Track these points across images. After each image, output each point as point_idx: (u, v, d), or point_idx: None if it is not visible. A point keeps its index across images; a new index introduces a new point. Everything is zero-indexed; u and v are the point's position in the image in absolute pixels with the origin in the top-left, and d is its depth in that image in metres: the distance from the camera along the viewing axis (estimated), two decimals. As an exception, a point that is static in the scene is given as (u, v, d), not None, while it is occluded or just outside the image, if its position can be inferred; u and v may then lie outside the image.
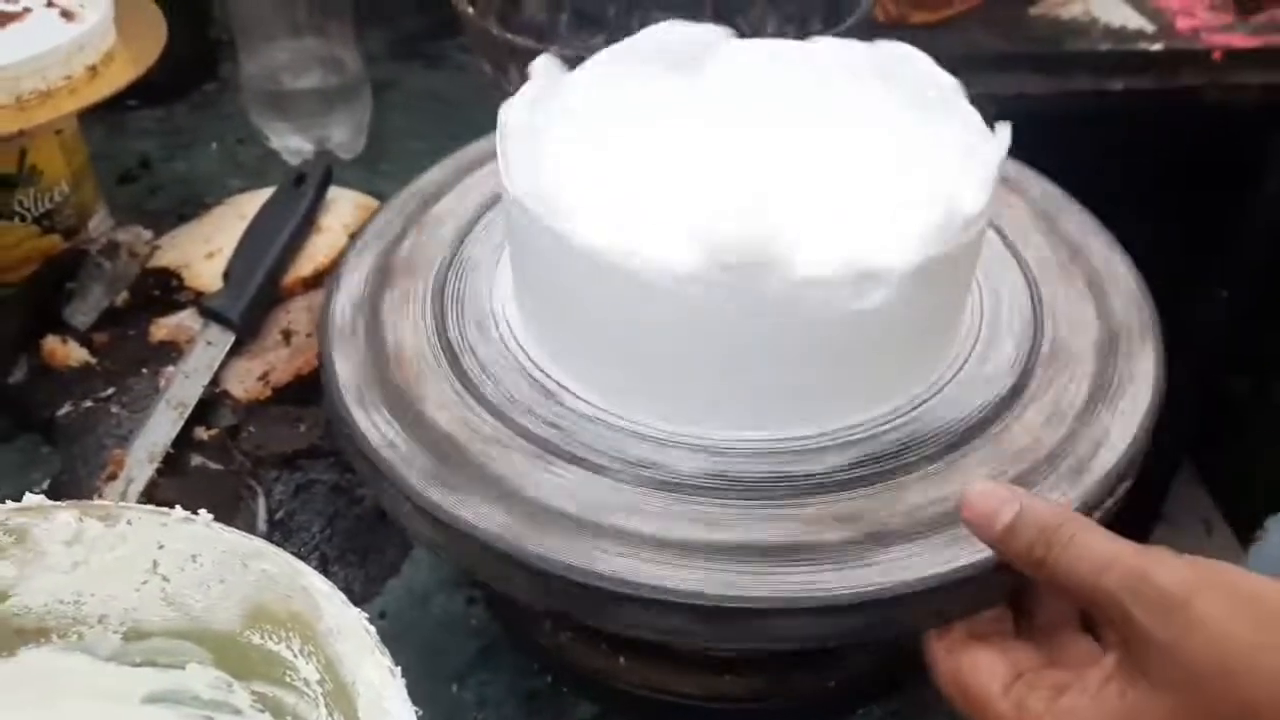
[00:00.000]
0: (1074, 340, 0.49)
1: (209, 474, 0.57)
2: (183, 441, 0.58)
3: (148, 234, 0.69)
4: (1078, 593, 0.37)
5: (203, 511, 0.40)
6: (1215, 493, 1.34)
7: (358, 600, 0.39)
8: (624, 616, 0.40)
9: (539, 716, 0.52)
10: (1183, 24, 0.96)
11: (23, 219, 0.67)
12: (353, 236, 0.55)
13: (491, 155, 0.48)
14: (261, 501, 0.57)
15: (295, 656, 0.40)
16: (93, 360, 0.63)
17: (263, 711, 0.42)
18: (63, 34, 0.62)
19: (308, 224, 0.68)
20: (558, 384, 0.46)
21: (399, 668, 0.36)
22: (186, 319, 0.64)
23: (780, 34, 0.74)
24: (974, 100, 0.47)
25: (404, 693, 0.36)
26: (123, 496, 0.55)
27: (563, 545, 0.40)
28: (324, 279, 0.65)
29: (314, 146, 0.80)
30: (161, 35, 0.67)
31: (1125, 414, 0.45)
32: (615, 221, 0.42)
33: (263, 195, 0.69)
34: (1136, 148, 0.90)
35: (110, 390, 0.61)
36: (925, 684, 0.42)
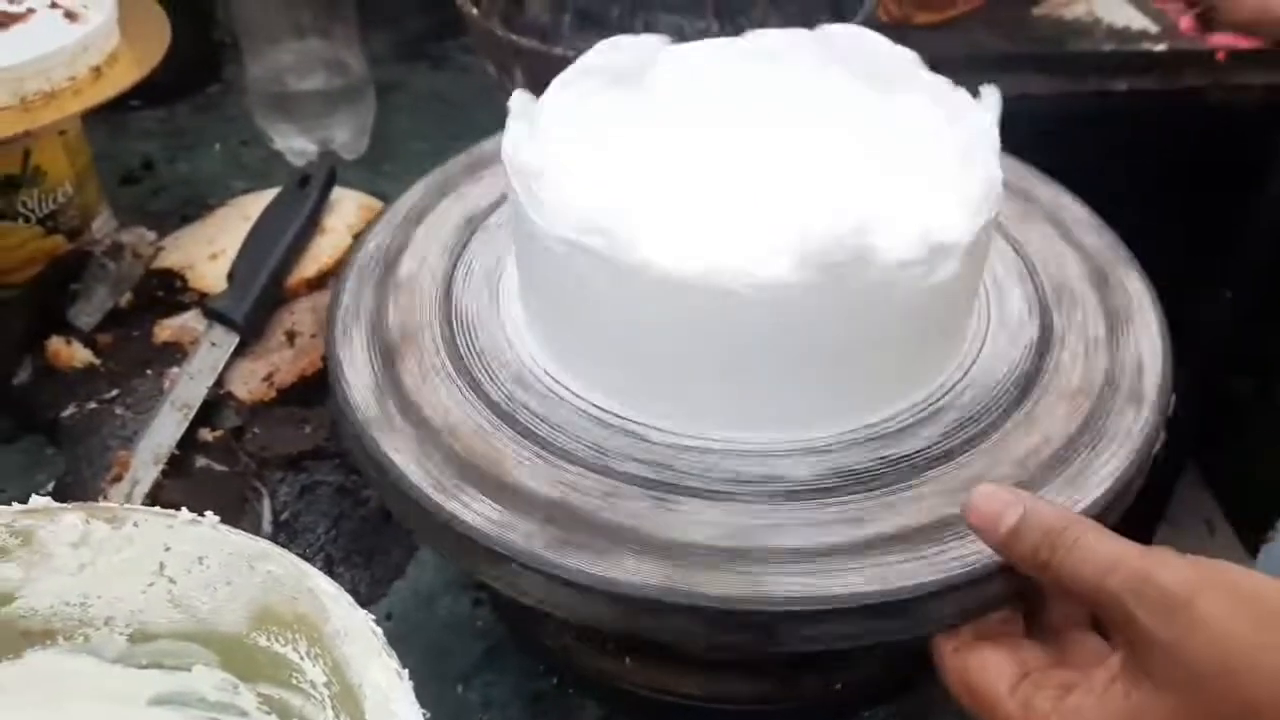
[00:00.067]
0: (1066, 277, 0.52)
1: (214, 475, 0.57)
2: (187, 443, 0.58)
3: (151, 235, 0.69)
4: (1082, 594, 0.37)
5: (209, 513, 0.40)
6: (1219, 494, 1.34)
7: (363, 601, 0.39)
8: (804, 633, 0.40)
9: (545, 718, 0.52)
10: (1186, 24, 0.96)
11: (27, 220, 0.67)
12: (329, 311, 0.51)
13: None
14: (266, 503, 0.57)
15: (302, 658, 0.40)
16: (97, 361, 0.63)
17: (269, 714, 0.42)
18: (67, 35, 0.62)
19: (312, 225, 0.68)
20: (635, 422, 0.45)
21: (406, 670, 0.36)
22: (190, 320, 0.64)
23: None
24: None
25: (411, 695, 0.36)
26: (128, 498, 0.55)
27: (729, 579, 0.39)
28: (328, 280, 0.66)
29: (318, 148, 0.80)
30: (165, 36, 0.67)
31: (1148, 335, 0.49)
32: (678, 242, 0.41)
33: (266, 196, 0.69)
34: (1139, 148, 0.90)
35: (115, 391, 0.61)
36: (932, 683, 0.42)
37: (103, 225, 0.72)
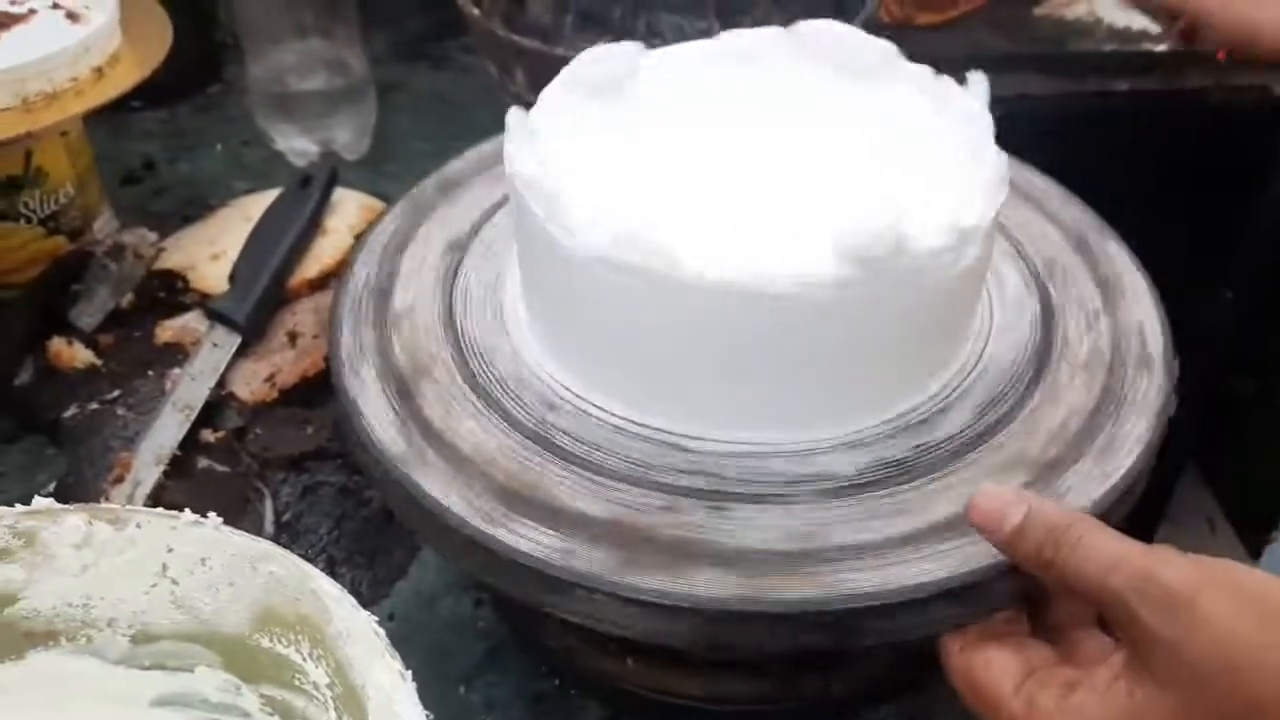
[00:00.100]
0: (1053, 253, 0.53)
1: (216, 476, 0.57)
2: (189, 444, 0.58)
3: (153, 236, 0.69)
4: (1086, 593, 0.37)
5: (212, 514, 0.40)
6: (1219, 494, 1.34)
7: (365, 602, 0.39)
8: (883, 627, 0.40)
9: (547, 719, 0.52)
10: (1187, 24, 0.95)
11: (28, 221, 0.67)
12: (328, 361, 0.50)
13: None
14: (268, 504, 0.57)
15: (305, 660, 0.40)
16: (98, 362, 0.63)
17: (272, 715, 0.42)
18: (68, 36, 0.62)
19: (313, 226, 0.68)
20: (673, 433, 0.45)
21: (409, 671, 0.36)
22: (192, 321, 0.64)
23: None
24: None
25: (415, 696, 0.36)
26: (130, 499, 0.55)
27: (804, 581, 0.39)
28: (329, 280, 0.66)
29: (319, 148, 0.80)
30: (167, 37, 0.67)
31: (1141, 303, 0.51)
32: (718, 251, 0.41)
33: (268, 197, 0.69)
34: (1141, 148, 0.90)
35: (116, 392, 0.61)
36: (933, 684, 0.42)
37: (104, 226, 0.72)
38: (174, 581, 0.41)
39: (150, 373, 0.62)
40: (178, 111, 0.89)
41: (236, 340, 0.62)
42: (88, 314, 0.65)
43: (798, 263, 0.40)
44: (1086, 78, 0.91)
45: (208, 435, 0.59)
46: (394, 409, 0.46)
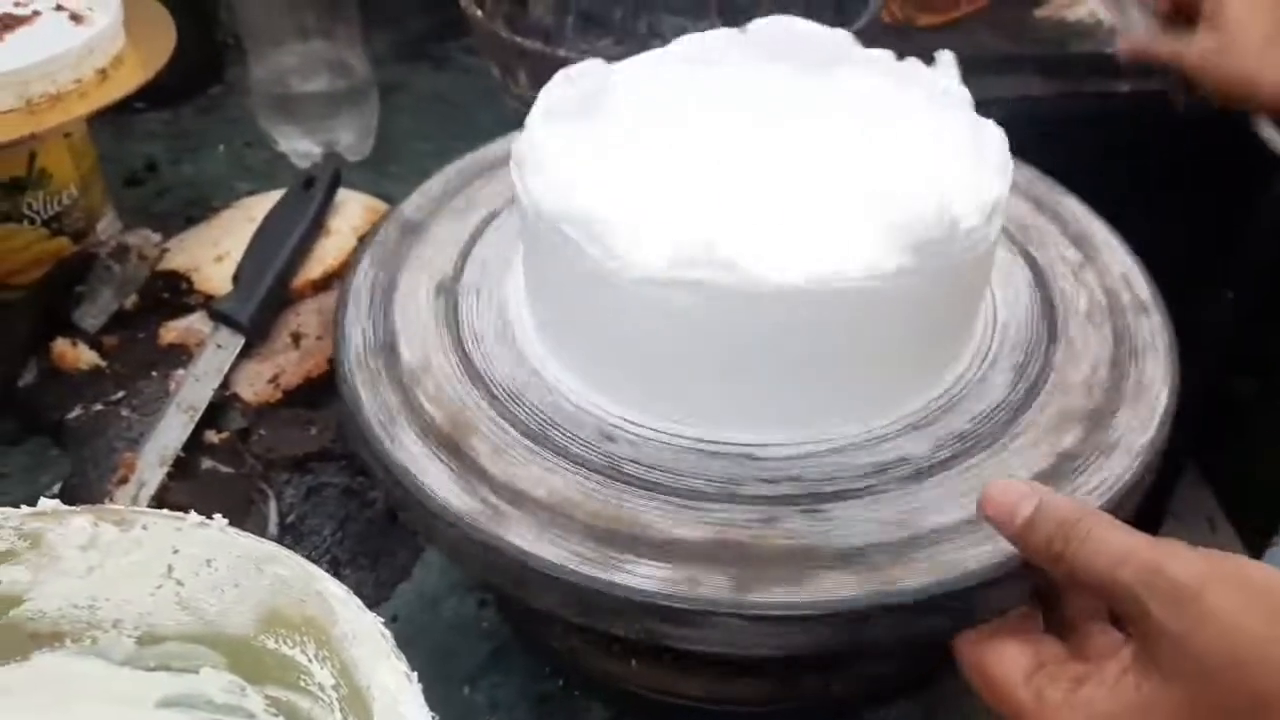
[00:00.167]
0: (1015, 212, 0.54)
1: (220, 477, 0.57)
2: (193, 445, 0.58)
3: (156, 237, 0.69)
4: (1095, 586, 0.38)
5: (217, 516, 0.40)
6: (1220, 493, 1.34)
7: (369, 603, 0.39)
8: (999, 599, 0.41)
9: (551, 719, 0.52)
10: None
11: (32, 222, 0.67)
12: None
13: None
14: (272, 505, 0.57)
15: (310, 661, 0.40)
16: (102, 363, 0.63)
17: (277, 716, 0.42)
18: (72, 37, 0.62)
19: (316, 227, 0.68)
20: (738, 444, 0.44)
21: (415, 672, 0.37)
22: (196, 322, 0.64)
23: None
24: (979, 103, 0.48)
25: (420, 698, 0.36)
26: (134, 500, 0.55)
27: (921, 567, 0.40)
28: (333, 281, 0.66)
29: (322, 149, 0.80)
30: (171, 38, 0.67)
31: (1114, 254, 0.53)
32: (773, 256, 0.41)
33: (271, 198, 0.69)
34: (1141, 149, 0.90)
35: (120, 393, 0.61)
36: (934, 683, 0.42)
37: (108, 227, 0.72)
38: (179, 583, 0.41)
39: (154, 374, 0.62)
40: (181, 113, 0.89)
41: (240, 341, 0.62)
42: (91, 315, 0.65)
43: (860, 257, 0.41)
44: (1087, 79, 0.91)
45: (212, 436, 0.59)
46: (449, 468, 0.44)
